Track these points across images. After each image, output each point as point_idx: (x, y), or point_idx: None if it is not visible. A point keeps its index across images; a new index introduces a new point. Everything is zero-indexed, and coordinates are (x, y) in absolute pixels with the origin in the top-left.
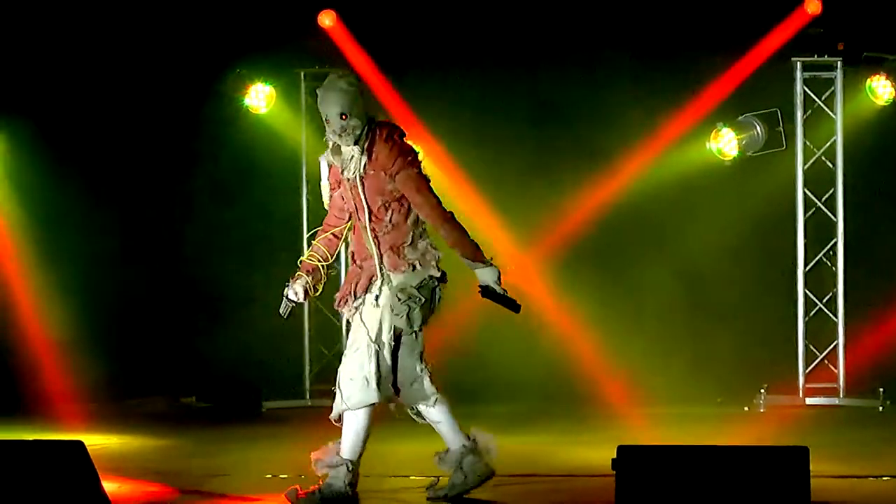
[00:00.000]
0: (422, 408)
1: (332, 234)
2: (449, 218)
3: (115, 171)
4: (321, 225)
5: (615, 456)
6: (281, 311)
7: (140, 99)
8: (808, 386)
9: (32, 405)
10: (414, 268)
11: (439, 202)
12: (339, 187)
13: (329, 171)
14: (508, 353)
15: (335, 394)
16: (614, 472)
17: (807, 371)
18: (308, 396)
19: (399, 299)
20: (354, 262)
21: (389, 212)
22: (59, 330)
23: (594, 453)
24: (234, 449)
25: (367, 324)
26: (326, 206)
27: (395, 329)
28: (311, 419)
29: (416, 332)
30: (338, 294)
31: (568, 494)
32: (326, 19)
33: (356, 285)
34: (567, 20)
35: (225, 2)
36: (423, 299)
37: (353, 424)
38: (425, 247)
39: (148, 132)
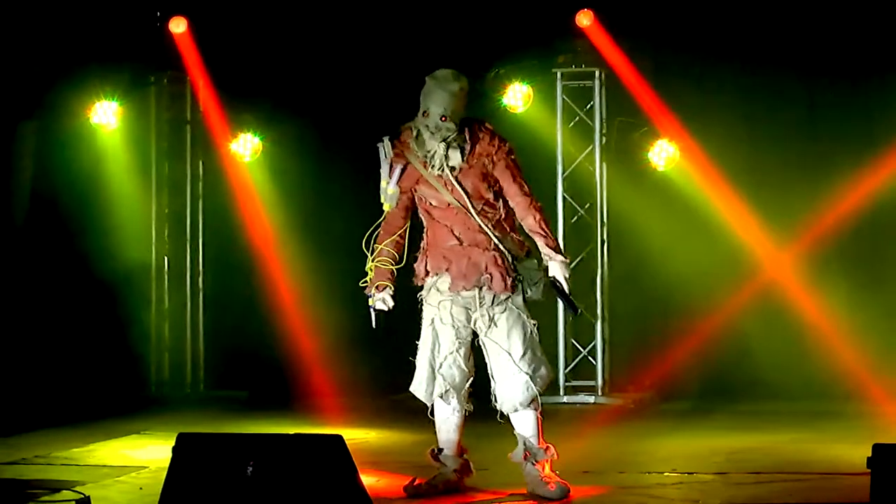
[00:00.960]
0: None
1: (399, 235)
2: (541, 207)
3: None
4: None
5: (871, 454)
6: (374, 324)
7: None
8: None
9: (302, 400)
10: (528, 250)
11: (532, 190)
12: (411, 186)
13: (396, 169)
14: (770, 352)
15: (531, 384)
16: (870, 471)
17: None
18: (562, 393)
19: (532, 278)
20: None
21: (500, 199)
22: (329, 326)
23: (853, 451)
24: (492, 445)
25: (521, 308)
26: (389, 205)
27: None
28: (563, 415)
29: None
30: (449, 278)
31: (825, 492)
32: (584, 19)
33: (484, 274)
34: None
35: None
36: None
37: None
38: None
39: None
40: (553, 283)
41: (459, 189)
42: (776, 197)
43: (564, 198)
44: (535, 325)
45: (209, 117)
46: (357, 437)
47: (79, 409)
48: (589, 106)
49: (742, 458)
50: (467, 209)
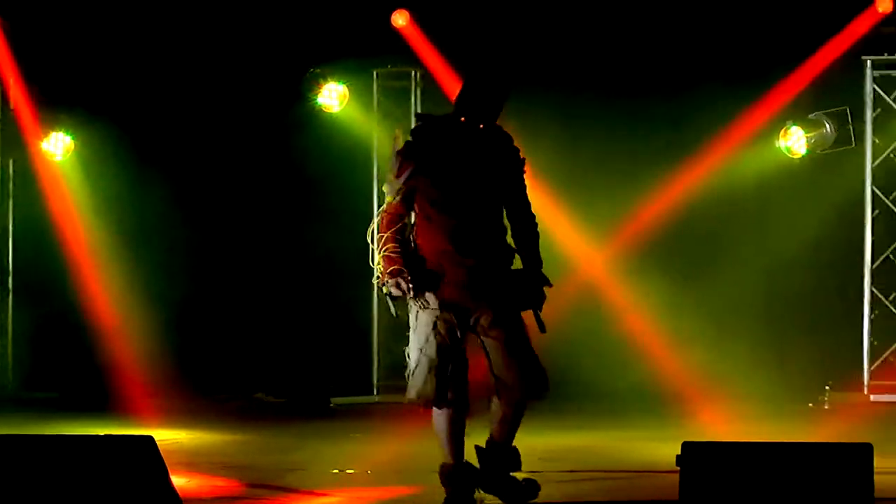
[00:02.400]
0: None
1: (403, 224)
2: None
3: (196, 169)
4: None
5: (680, 452)
6: (394, 313)
7: (223, 100)
8: (873, 383)
9: (116, 402)
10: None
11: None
12: (411, 179)
13: (411, 170)
14: (588, 352)
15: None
16: (679, 469)
17: (872, 368)
18: (376, 392)
19: None
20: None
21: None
22: (143, 326)
23: (665, 450)
24: (303, 444)
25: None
26: (394, 197)
27: None
28: (378, 415)
29: None
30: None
31: (638, 490)
32: (400, 19)
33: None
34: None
35: (302, 4)
36: None
37: None
38: None
39: (229, 134)
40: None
41: (464, 196)
42: (592, 200)
43: (379, 197)
44: None
45: (21, 115)
46: (169, 438)
47: None
48: (405, 105)
49: (558, 456)
50: (469, 216)
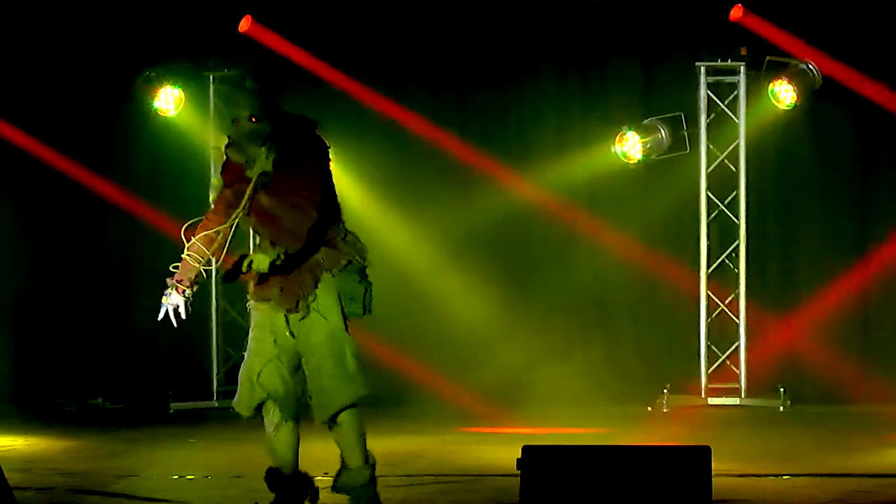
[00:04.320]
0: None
1: (216, 230)
2: (317, 225)
3: (27, 171)
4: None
5: (520, 456)
6: (159, 317)
7: (52, 101)
8: (710, 386)
9: None
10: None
11: (318, 201)
12: (235, 184)
13: (227, 166)
14: (423, 355)
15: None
16: (519, 472)
17: (709, 371)
18: (215, 397)
19: (349, 292)
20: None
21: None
22: None
23: (503, 453)
24: (142, 450)
25: (331, 318)
26: (212, 201)
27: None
28: (217, 420)
29: None
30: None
31: (477, 494)
32: (244, 23)
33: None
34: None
35: (137, 4)
36: None
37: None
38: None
39: (60, 135)
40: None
41: (265, 196)
42: (424, 200)
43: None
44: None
45: None
46: (4, 444)
47: None
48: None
49: (395, 460)
50: (264, 216)
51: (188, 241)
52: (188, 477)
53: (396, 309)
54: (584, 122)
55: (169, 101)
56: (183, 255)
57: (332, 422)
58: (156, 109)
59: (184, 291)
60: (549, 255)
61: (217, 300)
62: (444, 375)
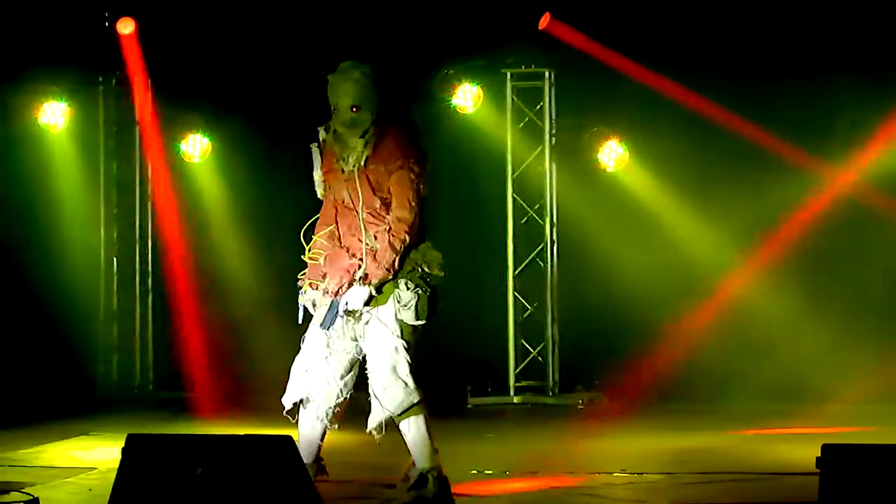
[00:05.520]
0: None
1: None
2: (405, 238)
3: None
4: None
5: (820, 454)
6: (300, 320)
7: None
8: None
9: (248, 401)
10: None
11: (414, 216)
12: (326, 175)
13: (322, 161)
14: (719, 351)
15: (374, 403)
16: (818, 471)
17: None
18: (512, 393)
19: (403, 299)
20: (347, 252)
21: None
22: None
23: (800, 451)
24: (440, 445)
25: (388, 323)
26: (321, 197)
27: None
28: (514, 416)
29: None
30: (330, 282)
31: (773, 492)
32: (543, 21)
33: (351, 279)
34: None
35: (435, 3)
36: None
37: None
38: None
39: None
40: (336, 302)
41: (358, 190)
42: (726, 198)
43: (514, 199)
44: (405, 344)
45: (157, 118)
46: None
47: (27, 411)
48: (539, 106)
49: (691, 458)
50: (356, 211)
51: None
52: (486, 472)
53: (690, 303)
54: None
55: (467, 97)
56: (307, 258)
57: (389, 426)
58: (454, 106)
59: (317, 287)
60: (850, 249)
61: (515, 296)
62: (736, 371)
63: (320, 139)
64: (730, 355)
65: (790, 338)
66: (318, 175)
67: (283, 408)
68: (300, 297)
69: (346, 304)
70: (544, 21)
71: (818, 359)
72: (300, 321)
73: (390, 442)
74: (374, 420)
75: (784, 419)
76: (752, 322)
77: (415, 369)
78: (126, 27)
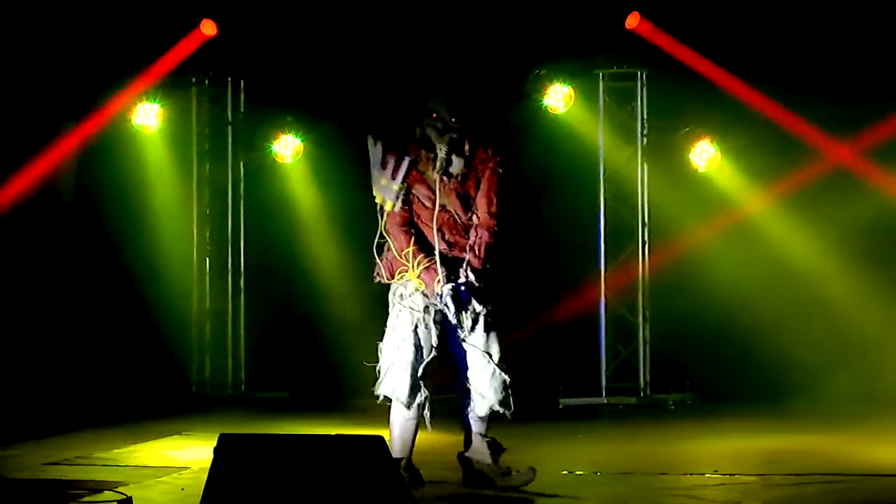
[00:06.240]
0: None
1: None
2: (495, 232)
3: None
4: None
5: None
6: (454, 319)
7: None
8: None
9: (346, 401)
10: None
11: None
12: (417, 183)
13: (404, 165)
14: (811, 353)
15: (508, 392)
16: None
17: None
18: (604, 394)
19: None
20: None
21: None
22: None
23: (886, 453)
24: (532, 445)
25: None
26: (392, 203)
27: None
28: (606, 416)
29: None
30: (437, 278)
31: (866, 493)
32: (632, 20)
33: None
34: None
35: (527, 4)
36: None
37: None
38: None
39: None
40: (454, 296)
41: (455, 194)
42: (816, 199)
43: (605, 199)
44: None
45: (250, 119)
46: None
47: (120, 410)
48: (630, 107)
49: (783, 459)
50: (457, 215)
51: (405, 257)
52: (577, 473)
53: (790, 311)
54: None
55: (559, 98)
56: (416, 272)
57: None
58: (546, 107)
59: (455, 284)
60: None
61: (605, 297)
62: (830, 373)
63: (377, 143)
64: (824, 358)
65: (883, 342)
66: (395, 181)
67: (377, 404)
68: (442, 297)
69: (467, 301)
70: (633, 20)
71: None
72: (453, 316)
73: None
74: (483, 410)
75: (877, 421)
76: (847, 325)
77: None
78: (209, 29)
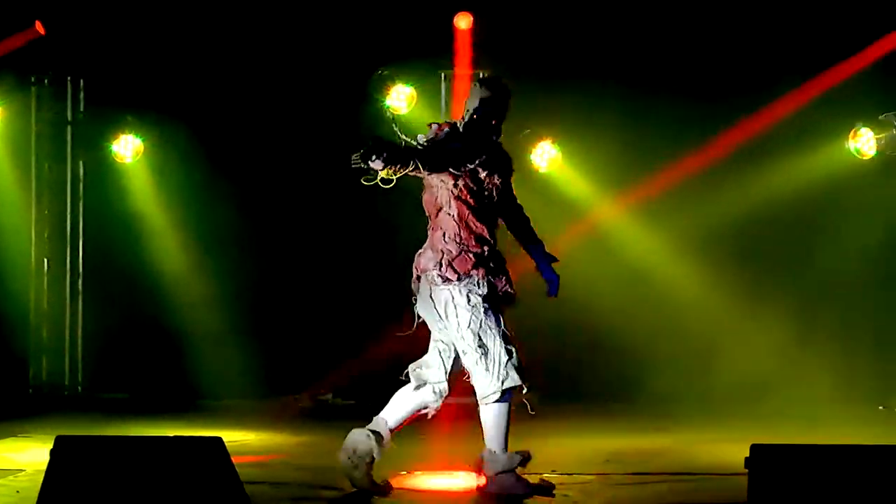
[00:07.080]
0: None
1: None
2: None
3: (265, 171)
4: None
5: (748, 455)
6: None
7: (294, 101)
8: None
9: (186, 402)
10: None
11: None
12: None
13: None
14: (655, 353)
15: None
16: (747, 471)
17: None
18: None
19: None
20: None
21: None
22: (213, 325)
23: (732, 452)
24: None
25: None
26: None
27: None
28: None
29: None
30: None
31: (705, 493)
32: (462, 22)
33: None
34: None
35: (370, 5)
36: None
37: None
38: None
39: (302, 134)
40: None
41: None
42: (663, 199)
43: None
44: None
45: (90, 118)
46: (237, 439)
47: None
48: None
49: (623, 459)
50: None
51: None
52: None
53: (634, 307)
54: (819, 118)
55: (402, 98)
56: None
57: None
58: (388, 107)
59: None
60: (787, 253)
61: None
62: (678, 374)
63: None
64: (662, 358)
65: (734, 340)
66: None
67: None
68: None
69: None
70: (462, 21)
71: (762, 360)
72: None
73: (328, 442)
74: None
75: (715, 419)
76: (686, 326)
77: None
78: (40, 28)
